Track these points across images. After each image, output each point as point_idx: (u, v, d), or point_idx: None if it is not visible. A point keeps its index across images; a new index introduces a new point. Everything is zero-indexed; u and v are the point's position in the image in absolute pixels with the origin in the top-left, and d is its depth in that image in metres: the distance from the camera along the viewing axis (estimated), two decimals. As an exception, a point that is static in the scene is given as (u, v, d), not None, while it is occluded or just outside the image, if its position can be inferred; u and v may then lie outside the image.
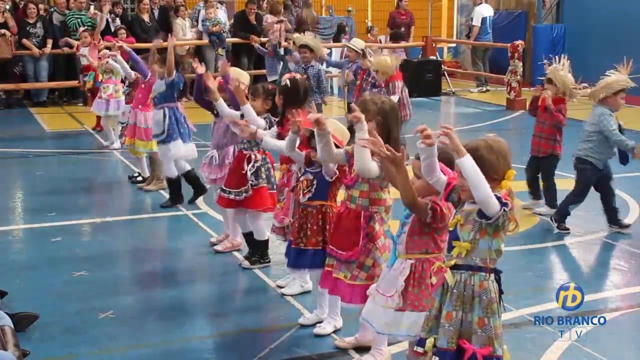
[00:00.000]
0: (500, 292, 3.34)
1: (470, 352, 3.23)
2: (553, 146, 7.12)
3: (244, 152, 5.70)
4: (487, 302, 3.26)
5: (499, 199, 3.16)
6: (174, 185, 7.45)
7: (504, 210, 3.17)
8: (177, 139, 7.14)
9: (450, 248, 3.35)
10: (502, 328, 3.32)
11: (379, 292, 3.84)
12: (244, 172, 5.64)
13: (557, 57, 7.06)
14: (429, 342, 3.35)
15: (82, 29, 12.45)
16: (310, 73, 10.07)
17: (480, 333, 3.25)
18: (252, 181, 5.63)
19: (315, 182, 4.63)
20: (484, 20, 16.52)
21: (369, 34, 17.26)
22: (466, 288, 3.28)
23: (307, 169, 4.69)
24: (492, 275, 3.31)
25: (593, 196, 6.76)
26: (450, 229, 3.37)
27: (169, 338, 4.73)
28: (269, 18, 15.09)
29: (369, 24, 18.83)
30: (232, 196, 5.70)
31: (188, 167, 7.43)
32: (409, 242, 3.72)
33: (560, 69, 6.97)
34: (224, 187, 5.78)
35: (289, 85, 5.26)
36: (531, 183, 7.37)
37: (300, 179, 4.72)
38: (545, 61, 7.17)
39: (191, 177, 7.49)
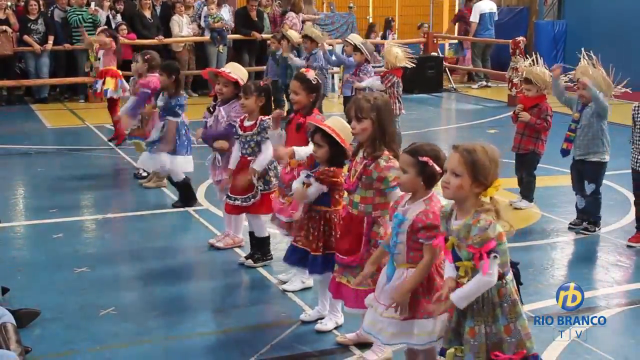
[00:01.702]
0: (519, 284, 3.28)
1: None
2: (535, 144, 7.05)
3: (248, 157, 5.62)
4: (509, 307, 3.22)
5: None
6: (183, 187, 7.39)
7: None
8: (183, 153, 7.12)
9: (457, 267, 3.28)
10: (528, 325, 3.27)
11: (381, 303, 3.76)
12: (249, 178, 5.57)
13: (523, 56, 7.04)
14: (449, 353, 3.31)
15: (99, 29, 10.84)
16: (312, 62, 10.13)
17: (510, 340, 3.21)
18: (261, 186, 5.60)
19: None
20: (483, 16, 16.51)
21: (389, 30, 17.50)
22: (485, 302, 3.22)
23: (309, 173, 4.59)
24: (509, 276, 3.24)
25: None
26: (449, 249, 3.30)
27: (170, 334, 4.74)
28: (290, 16, 15.00)
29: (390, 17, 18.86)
30: (238, 202, 5.66)
31: (183, 176, 7.31)
32: (410, 252, 3.65)
33: (535, 66, 6.94)
34: (230, 194, 5.74)
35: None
36: (521, 181, 7.34)
37: (304, 181, 4.64)
38: (515, 64, 7.12)
39: (185, 187, 7.41)
